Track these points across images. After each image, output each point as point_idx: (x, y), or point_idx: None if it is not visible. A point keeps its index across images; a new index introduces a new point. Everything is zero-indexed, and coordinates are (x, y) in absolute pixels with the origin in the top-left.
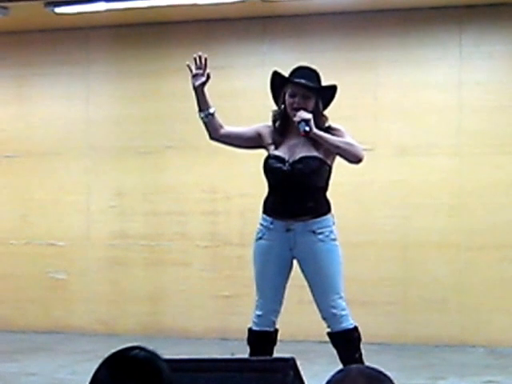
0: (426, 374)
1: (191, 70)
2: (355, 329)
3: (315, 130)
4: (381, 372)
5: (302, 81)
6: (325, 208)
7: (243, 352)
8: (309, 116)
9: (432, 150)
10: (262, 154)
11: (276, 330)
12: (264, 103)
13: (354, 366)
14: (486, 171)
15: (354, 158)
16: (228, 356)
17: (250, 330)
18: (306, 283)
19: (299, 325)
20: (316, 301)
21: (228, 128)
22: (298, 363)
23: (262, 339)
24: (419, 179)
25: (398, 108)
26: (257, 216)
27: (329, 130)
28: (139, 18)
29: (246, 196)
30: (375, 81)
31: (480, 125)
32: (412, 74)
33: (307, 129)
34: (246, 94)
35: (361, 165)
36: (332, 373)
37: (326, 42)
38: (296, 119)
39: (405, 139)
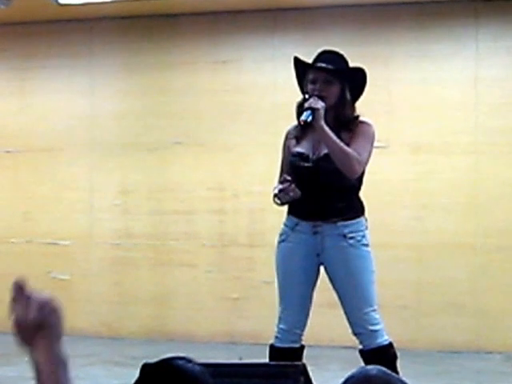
0: (441, 380)
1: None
2: (390, 345)
3: (321, 124)
4: (398, 378)
5: (323, 65)
6: (357, 210)
7: (251, 356)
8: (318, 105)
9: (447, 148)
10: (271, 150)
11: (302, 347)
12: (273, 99)
13: (373, 371)
14: (504, 170)
15: (346, 171)
16: (236, 361)
17: (272, 346)
18: (317, 286)
19: (310, 329)
20: (346, 314)
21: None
22: (309, 369)
23: (286, 357)
24: (434, 178)
25: (413, 104)
26: (266, 215)
27: (353, 121)
28: (145, 10)
29: (255, 194)
30: (389, 76)
31: (497, 122)
32: (427, 70)
33: (308, 119)
34: (254, 89)
35: (374, 163)
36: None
37: (338, 36)
38: (305, 105)
39: (419, 137)
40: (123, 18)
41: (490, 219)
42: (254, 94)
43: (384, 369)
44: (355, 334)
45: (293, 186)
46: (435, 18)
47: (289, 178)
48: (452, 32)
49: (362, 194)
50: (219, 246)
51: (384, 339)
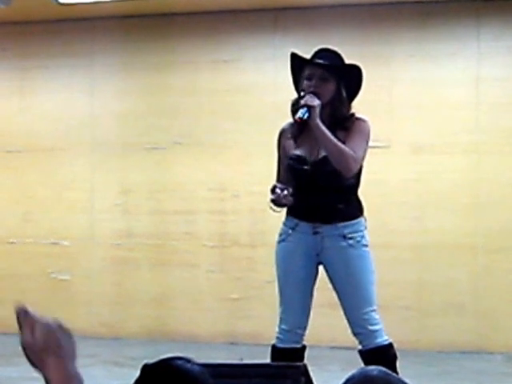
0: (442, 381)
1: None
2: (390, 345)
3: (317, 121)
4: (399, 378)
5: (319, 61)
6: (356, 210)
7: (252, 357)
8: (314, 103)
9: (449, 148)
10: (271, 150)
11: (304, 347)
12: (274, 98)
13: (374, 371)
14: (505, 170)
15: (341, 170)
16: (237, 361)
17: (273, 347)
18: (318, 286)
19: (310, 329)
20: (346, 314)
21: (285, 181)
22: (309, 369)
23: (288, 358)
24: (435, 178)
25: (414, 104)
26: (267, 215)
27: (349, 119)
28: (146, 9)
29: (256, 194)
30: (390, 76)
31: (498, 122)
32: (428, 70)
33: (304, 116)
34: (255, 89)
35: (375, 162)
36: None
37: (339, 36)
38: (301, 102)
39: (420, 137)
40: (124, 17)
41: (491, 219)
42: (255, 94)
43: (384, 369)
44: (355, 333)
45: (284, 193)
46: (436, 17)
47: (279, 185)
48: (453, 31)
49: (362, 194)
50: (220, 246)
51: (384, 339)
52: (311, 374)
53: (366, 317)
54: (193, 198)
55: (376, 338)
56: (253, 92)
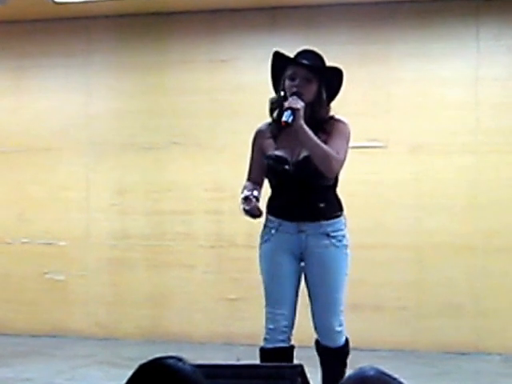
0: (441, 382)
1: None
2: (346, 344)
3: (301, 123)
4: (395, 379)
5: (304, 61)
6: (337, 208)
7: (249, 358)
8: (298, 105)
9: (447, 148)
10: None
11: (292, 347)
12: None
13: (371, 372)
14: (504, 170)
15: (325, 171)
16: (234, 362)
17: (261, 349)
18: None
19: (308, 330)
20: (313, 310)
21: (256, 180)
22: (306, 370)
23: (277, 358)
24: (434, 178)
25: (412, 104)
26: (264, 216)
27: (328, 121)
28: (142, 8)
29: None
30: (388, 75)
31: (498, 122)
32: (427, 69)
33: (289, 120)
34: (253, 88)
35: (373, 163)
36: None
37: (337, 35)
38: (285, 105)
39: (419, 137)
40: (120, 16)
41: (490, 220)
42: (253, 94)
43: (382, 370)
44: (316, 329)
45: (257, 204)
46: (436, 16)
47: (252, 196)
48: (453, 31)
49: (361, 194)
50: (217, 246)
51: (341, 340)
52: (308, 374)
53: (332, 318)
54: (190, 199)
55: (336, 340)
56: (250, 91)
